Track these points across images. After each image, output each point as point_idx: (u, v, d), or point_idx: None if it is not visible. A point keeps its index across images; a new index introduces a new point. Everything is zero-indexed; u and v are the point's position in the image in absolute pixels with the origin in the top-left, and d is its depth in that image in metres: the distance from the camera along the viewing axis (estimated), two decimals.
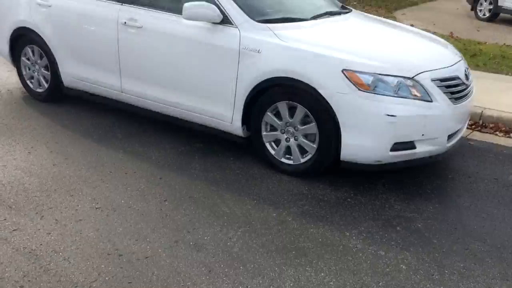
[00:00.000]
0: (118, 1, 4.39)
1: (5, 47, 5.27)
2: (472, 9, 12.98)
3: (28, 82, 5.27)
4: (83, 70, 4.72)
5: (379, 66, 3.37)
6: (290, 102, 3.63)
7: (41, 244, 2.80)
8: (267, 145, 3.85)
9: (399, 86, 3.35)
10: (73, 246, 2.79)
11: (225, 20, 3.81)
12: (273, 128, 3.81)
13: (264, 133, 3.83)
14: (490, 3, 12.53)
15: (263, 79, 3.65)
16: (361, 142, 3.39)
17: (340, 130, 3.44)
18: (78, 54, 4.69)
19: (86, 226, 3.00)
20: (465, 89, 3.73)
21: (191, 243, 2.86)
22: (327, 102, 3.42)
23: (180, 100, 4.15)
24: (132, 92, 4.45)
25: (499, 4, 12.12)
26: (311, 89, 3.47)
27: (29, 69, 5.22)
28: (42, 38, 4.87)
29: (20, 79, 5.34)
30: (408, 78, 3.38)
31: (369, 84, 3.31)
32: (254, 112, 3.81)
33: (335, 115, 3.42)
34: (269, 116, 3.75)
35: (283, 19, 3.94)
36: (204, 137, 4.40)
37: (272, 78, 3.61)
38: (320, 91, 3.41)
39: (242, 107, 3.82)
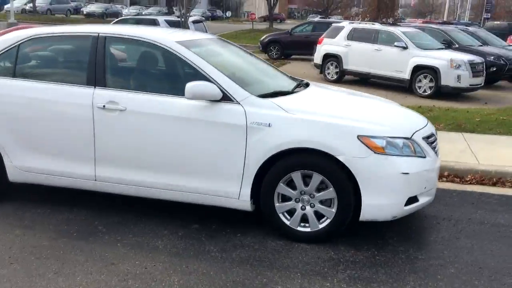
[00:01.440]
0: (89, 85, 4.10)
1: None
2: (320, 72, 14.69)
3: None
4: (41, 161, 4.24)
5: (388, 130, 3.72)
6: (305, 171, 3.74)
7: None
8: (281, 215, 3.87)
9: (403, 146, 3.72)
10: None
11: (225, 97, 3.83)
12: (284, 198, 3.86)
13: (277, 204, 3.86)
14: (336, 67, 14.33)
15: (276, 151, 3.73)
16: (381, 201, 3.66)
17: (360, 192, 3.64)
18: (34, 145, 4.23)
19: None
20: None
21: None
22: (345, 167, 3.62)
23: (174, 182, 3.99)
24: (110, 179, 4.14)
25: (344, 67, 13.98)
26: (328, 157, 3.65)
27: None
28: None
29: None
30: (408, 138, 3.78)
31: (383, 147, 3.62)
32: (264, 185, 3.84)
33: (354, 178, 3.62)
34: (282, 187, 3.82)
35: (275, 93, 4.09)
36: (196, 216, 4.24)
37: (286, 150, 3.71)
38: (339, 157, 3.61)
39: (251, 181, 3.83)
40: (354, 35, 14.04)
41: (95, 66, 4.12)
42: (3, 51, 4.34)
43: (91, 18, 42.36)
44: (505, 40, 20.03)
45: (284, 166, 3.78)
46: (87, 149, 4.11)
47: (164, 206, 4.34)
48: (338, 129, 3.67)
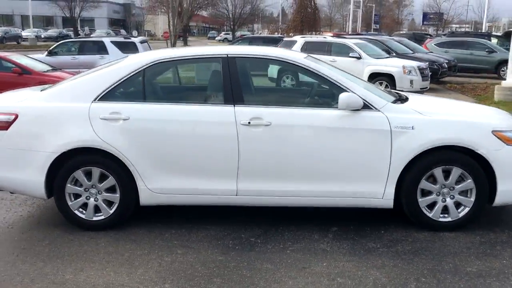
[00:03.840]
0: (227, 103, 4.25)
1: (37, 178, 4.29)
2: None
3: (76, 212, 4.38)
4: (177, 182, 4.28)
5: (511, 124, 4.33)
6: (445, 166, 4.22)
7: None
8: (423, 209, 4.30)
9: None
10: None
11: (365, 106, 4.21)
12: (424, 193, 4.29)
13: (420, 199, 4.28)
14: (292, 79, 15.00)
15: (419, 151, 4.16)
16: None
17: (496, 181, 4.19)
18: (171, 166, 4.25)
19: None
20: None
21: None
22: (482, 159, 4.15)
23: (317, 188, 4.25)
24: (252, 192, 4.29)
25: (300, 80, 14.66)
26: (466, 151, 4.16)
27: (79, 196, 4.37)
28: (112, 156, 4.21)
29: (63, 210, 4.39)
30: None
31: None
32: (407, 183, 4.24)
33: (492, 169, 4.17)
34: (424, 183, 4.25)
35: (400, 99, 4.54)
36: (321, 223, 4.54)
37: (429, 149, 4.16)
38: (479, 151, 4.13)
39: (395, 181, 4.23)
40: (308, 48, 14.79)
41: (231, 85, 4.26)
42: (127, 76, 4.31)
43: None
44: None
45: (426, 164, 4.21)
46: (229, 165, 4.22)
47: (291, 215, 4.58)
48: (475, 127, 4.19)
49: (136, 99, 4.30)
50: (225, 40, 54.86)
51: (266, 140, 4.17)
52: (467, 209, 4.27)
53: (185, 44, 38.11)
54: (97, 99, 4.26)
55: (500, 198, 4.22)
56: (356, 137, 4.15)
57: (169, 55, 4.46)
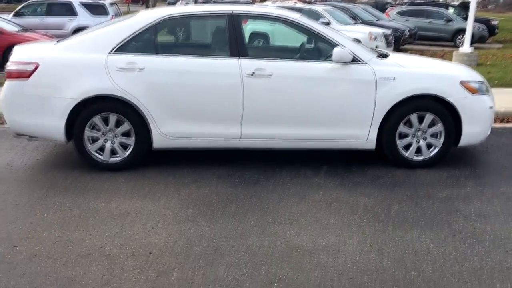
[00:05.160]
0: (232, 56, 4.77)
1: (58, 123, 4.73)
2: None
3: (94, 154, 4.87)
4: (187, 127, 4.80)
5: (476, 76, 5.06)
6: (419, 112, 4.93)
7: None
8: (400, 150, 5.02)
9: (485, 88, 5.09)
10: None
11: (354, 59, 4.83)
12: (401, 136, 5.01)
13: (398, 141, 4.99)
14: (263, 44, 15.49)
15: (399, 99, 4.84)
16: (475, 130, 4.99)
17: (461, 125, 4.94)
18: (182, 113, 4.75)
19: None
20: None
21: None
22: (453, 106, 4.88)
23: (312, 132, 4.88)
24: (254, 136, 4.87)
25: (271, 43, 15.18)
26: (438, 100, 4.88)
27: (96, 140, 4.85)
28: (128, 104, 4.68)
29: (81, 152, 4.86)
30: (483, 82, 5.16)
31: (477, 89, 4.96)
32: (388, 127, 4.93)
33: (458, 114, 4.91)
34: (402, 127, 4.96)
35: (381, 55, 5.18)
36: (313, 164, 5.22)
37: (407, 97, 4.84)
38: (449, 99, 4.86)
39: (377, 126, 4.91)
40: None
41: (236, 40, 4.79)
42: (140, 30, 4.75)
43: None
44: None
45: (404, 110, 4.89)
46: (234, 111, 4.77)
47: (286, 157, 5.25)
48: (446, 78, 4.90)
49: (150, 52, 4.76)
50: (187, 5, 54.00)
51: (267, 89, 4.74)
52: (437, 149, 5.01)
53: (147, 7, 37.50)
54: (113, 50, 4.69)
55: (464, 140, 4.98)
56: (345, 86, 4.77)
57: (178, 11, 4.91)
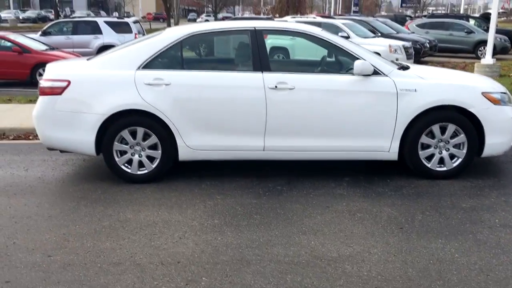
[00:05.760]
0: (255, 70, 4.89)
1: (88, 137, 4.90)
2: None
3: (123, 167, 5.01)
4: (213, 139, 4.92)
5: (498, 87, 5.08)
6: (441, 123, 4.96)
7: None
8: (423, 160, 5.05)
9: (507, 98, 5.10)
10: None
11: (375, 72, 4.91)
12: (423, 147, 5.04)
13: (420, 152, 5.02)
14: (283, 58, 15.63)
15: (421, 110, 4.88)
16: (498, 140, 4.99)
17: (484, 135, 4.95)
18: (207, 125, 4.86)
19: None
20: None
21: None
22: (474, 117, 4.90)
23: (334, 144, 4.95)
24: (277, 147, 4.96)
25: (291, 57, 15.29)
26: (460, 110, 4.90)
27: (125, 153, 5.00)
28: (155, 117, 4.82)
29: (110, 165, 5.00)
30: (505, 92, 5.17)
31: (499, 99, 4.98)
32: (410, 138, 4.97)
33: (481, 125, 4.93)
34: (424, 138, 4.99)
35: (402, 67, 5.25)
36: (333, 175, 5.25)
37: (429, 108, 4.89)
38: (471, 109, 4.89)
39: (399, 137, 4.95)
40: None
41: (259, 54, 4.91)
42: (166, 47, 4.91)
43: None
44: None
45: (426, 121, 4.93)
46: (258, 124, 4.88)
47: (308, 168, 5.30)
48: (468, 89, 4.94)
49: (176, 67, 4.92)
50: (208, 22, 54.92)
51: (290, 102, 4.84)
52: (459, 160, 5.03)
53: (168, 25, 38.23)
54: (141, 67, 4.86)
55: (487, 150, 4.99)
56: (367, 98, 4.85)
57: (203, 28, 5.07)
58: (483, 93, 4.90)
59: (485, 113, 4.87)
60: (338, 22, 15.16)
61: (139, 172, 4.98)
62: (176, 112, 4.80)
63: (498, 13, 13.15)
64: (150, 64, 4.86)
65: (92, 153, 4.92)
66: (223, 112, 4.83)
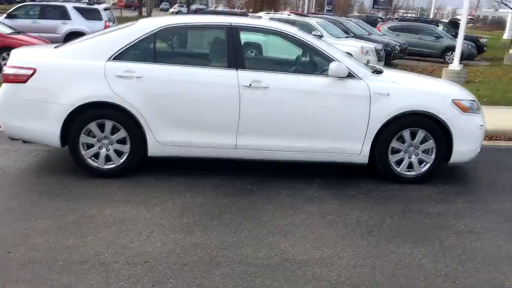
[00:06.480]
0: (230, 67, 4.82)
1: (54, 128, 4.74)
2: None
3: (89, 160, 4.87)
4: (183, 136, 4.83)
5: (467, 95, 5.17)
6: (412, 128, 5.01)
7: None
8: (392, 165, 5.09)
9: (476, 106, 5.19)
10: None
11: (349, 75, 4.91)
12: (393, 151, 5.08)
13: (390, 156, 5.06)
14: (256, 55, 15.59)
15: (393, 115, 4.91)
16: (466, 148, 5.08)
17: (452, 142, 5.03)
18: (178, 121, 4.77)
19: None
20: None
21: None
22: (445, 123, 4.97)
23: (306, 145, 4.93)
24: (249, 146, 4.91)
25: (264, 54, 15.30)
26: (430, 117, 4.96)
27: (91, 146, 4.86)
28: (124, 111, 4.69)
29: (76, 158, 4.86)
30: (474, 100, 5.27)
31: (468, 107, 5.06)
32: (381, 142, 5.00)
33: (450, 132, 5.00)
34: (395, 142, 5.03)
35: (376, 71, 5.27)
36: (306, 176, 5.24)
37: (400, 113, 4.93)
38: (440, 116, 4.95)
39: (371, 140, 4.98)
40: None
41: (234, 51, 4.84)
42: (139, 38, 4.78)
43: None
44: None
45: (397, 126, 4.96)
46: (230, 122, 4.81)
47: (278, 168, 5.29)
48: (439, 96, 5.00)
49: (148, 60, 4.79)
50: (179, 13, 54.31)
51: (264, 101, 4.79)
52: (428, 165, 5.09)
53: (140, 14, 37.63)
54: (112, 58, 4.72)
55: (455, 157, 5.07)
56: (340, 101, 4.84)
57: (178, 21, 4.96)
58: (453, 101, 4.97)
59: (454, 121, 4.94)
60: (312, 21, 15.21)
61: (106, 167, 4.84)
62: (147, 106, 4.69)
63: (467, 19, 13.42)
64: (122, 55, 4.73)
65: (57, 145, 4.76)
66: (195, 108, 4.74)
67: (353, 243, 3.73)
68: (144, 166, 5.06)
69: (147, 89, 4.67)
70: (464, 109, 4.98)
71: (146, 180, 4.82)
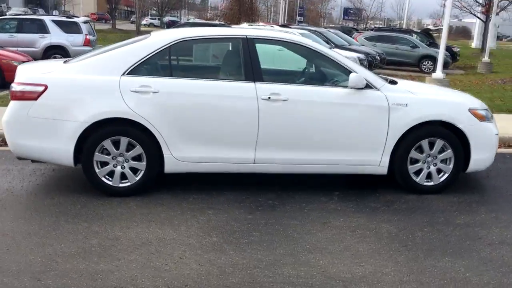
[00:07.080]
0: (247, 80, 4.72)
1: (66, 146, 4.55)
2: None
3: (103, 179, 4.69)
4: (201, 151, 4.70)
5: (482, 104, 5.20)
6: (430, 138, 5.01)
7: None
8: (411, 175, 5.07)
9: (490, 115, 5.23)
10: None
11: (366, 86, 4.88)
12: (412, 161, 5.06)
13: (409, 166, 5.04)
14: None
15: (412, 125, 4.90)
16: (483, 156, 5.10)
17: (470, 151, 5.05)
18: (195, 136, 4.63)
19: None
20: None
21: None
22: (462, 132, 4.98)
23: (326, 157, 4.86)
24: (267, 160, 4.81)
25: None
26: (448, 126, 4.97)
27: (106, 164, 4.68)
28: (140, 127, 4.53)
29: (90, 177, 4.67)
30: (487, 109, 5.31)
31: (484, 116, 5.09)
32: (400, 153, 4.97)
33: (468, 141, 5.01)
34: (414, 153, 5.02)
35: (391, 81, 5.26)
36: (319, 190, 5.17)
37: (419, 123, 4.92)
38: (459, 125, 4.96)
39: (390, 151, 4.95)
40: None
41: (251, 63, 4.75)
42: (154, 52, 4.64)
43: None
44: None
45: (415, 136, 4.94)
46: (249, 135, 4.69)
47: (296, 182, 5.22)
48: (456, 105, 5.01)
49: (164, 74, 4.65)
50: (151, 25, 53.96)
51: (283, 114, 4.70)
52: (446, 175, 5.08)
53: (113, 27, 37.18)
54: (126, 72, 4.56)
55: (473, 165, 5.07)
56: (359, 112, 4.79)
57: (192, 34, 4.84)
58: (470, 110, 4.98)
59: (471, 129, 4.95)
60: (295, 32, 15.19)
61: (121, 185, 4.65)
62: (163, 121, 4.53)
63: (435, 29, 13.68)
64: (136, 70, 4.57)
65: (69, 164, 4.55)
66: (213, 123, 4.61)
67: (392, 258, 3.66)
68: (156, 182, 4.87)
69: (164, 104, 4.52)
70: (480, 118, 5.00)
71: (162, 197, 4.66)
